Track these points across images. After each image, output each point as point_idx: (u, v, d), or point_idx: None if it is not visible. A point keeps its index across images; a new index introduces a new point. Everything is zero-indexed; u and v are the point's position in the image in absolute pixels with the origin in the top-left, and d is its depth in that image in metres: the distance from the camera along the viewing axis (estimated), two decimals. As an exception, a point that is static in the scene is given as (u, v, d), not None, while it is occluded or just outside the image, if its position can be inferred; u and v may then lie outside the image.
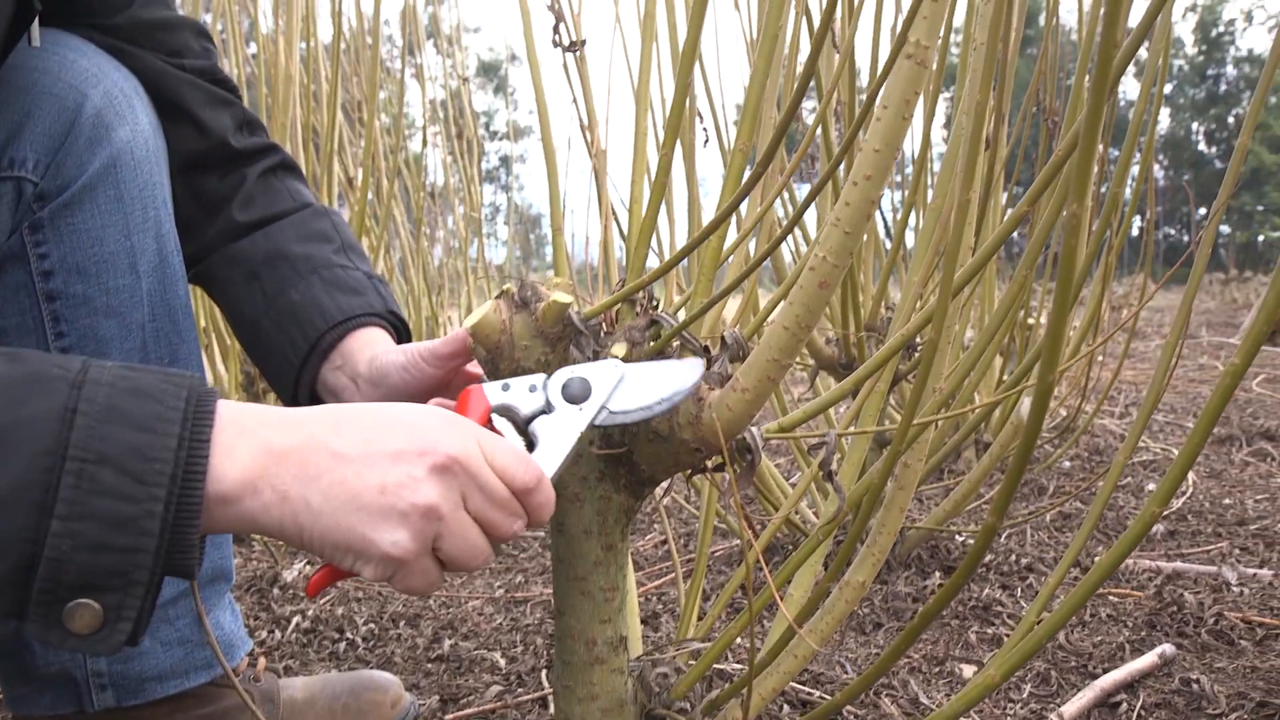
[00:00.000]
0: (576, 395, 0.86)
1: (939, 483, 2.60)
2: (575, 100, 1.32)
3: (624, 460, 0.93)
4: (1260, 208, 45.55)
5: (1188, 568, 1.94)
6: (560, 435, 0.85)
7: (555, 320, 0.88)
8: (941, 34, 1.28)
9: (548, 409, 0.86)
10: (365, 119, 3.57)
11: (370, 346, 1.09)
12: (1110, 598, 1.79)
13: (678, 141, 0.96)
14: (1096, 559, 2.02)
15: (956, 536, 2.04)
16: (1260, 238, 47.10)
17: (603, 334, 0.92)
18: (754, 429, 0.93)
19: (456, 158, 4.56)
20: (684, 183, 1.29)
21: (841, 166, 1.51)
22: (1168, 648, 1.48)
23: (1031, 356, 1.43)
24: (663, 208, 1.23)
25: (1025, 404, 1.82)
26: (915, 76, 0.79)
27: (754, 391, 0.87)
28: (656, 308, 0.93)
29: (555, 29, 1.45)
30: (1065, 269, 0.57)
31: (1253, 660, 1.47)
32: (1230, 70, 52.62)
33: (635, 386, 0.88)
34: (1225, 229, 52.54)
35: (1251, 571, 1.89)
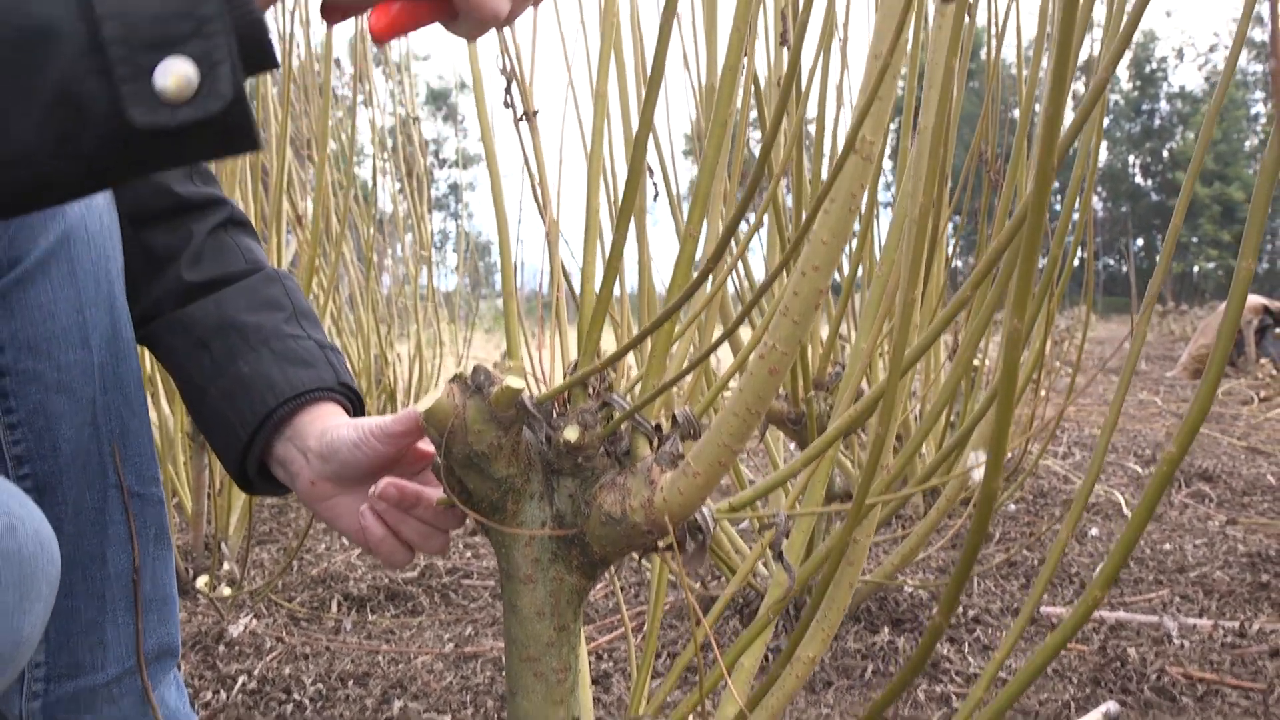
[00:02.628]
0: None
1: (887, 530, 2.62)
2: (527, 163, 1.33)
3: (576, 541, 0.94)
4: (1195, 239, 46.68)
5: (1130, 618, 1.97)
6: None
7: (508, 405, 0.89)
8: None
9: None
10: (316, 159, 3.55)
11: (321, 420, 1.08)
12: (1055, 649, 1.81)
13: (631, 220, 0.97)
14: (1039, 608, 2.05)
15: (905, 588, 2.06)
16: (1195, 268, 48.25)
17: (555, 416, 0.93)
18: (705, 509, 0.94)
19: (406, 191, 4.55)
20: (639, 256, 1.30)
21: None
22: (1112, 706, 1.51)
23: (973, 420, 1.46)
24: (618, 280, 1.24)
25: (969, 456, 1.85)
26: (862, 170, 0.81)
27: (705, 476, 0.88)
28: (609, 389, 0.94)
29: (507, 90, 1.46)
30: (1006, 385, 0.59)
31: (1194, 717, 1.50)
32: (1164, 105, 54.02)
33: None
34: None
35: (1192, 622, 1.93)
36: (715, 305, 1.23)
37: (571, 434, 0.90)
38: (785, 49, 1.57)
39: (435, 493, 1.00)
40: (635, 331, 1.47)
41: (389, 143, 4.51)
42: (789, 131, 1.34)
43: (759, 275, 1.99)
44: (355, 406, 1.13)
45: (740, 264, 1.82)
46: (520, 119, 1.23)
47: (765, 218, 1.47)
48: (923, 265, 0.82)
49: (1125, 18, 0.73)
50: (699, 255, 1.01)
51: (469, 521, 0.96)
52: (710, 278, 1.09)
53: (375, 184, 4.48)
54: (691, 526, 0.94)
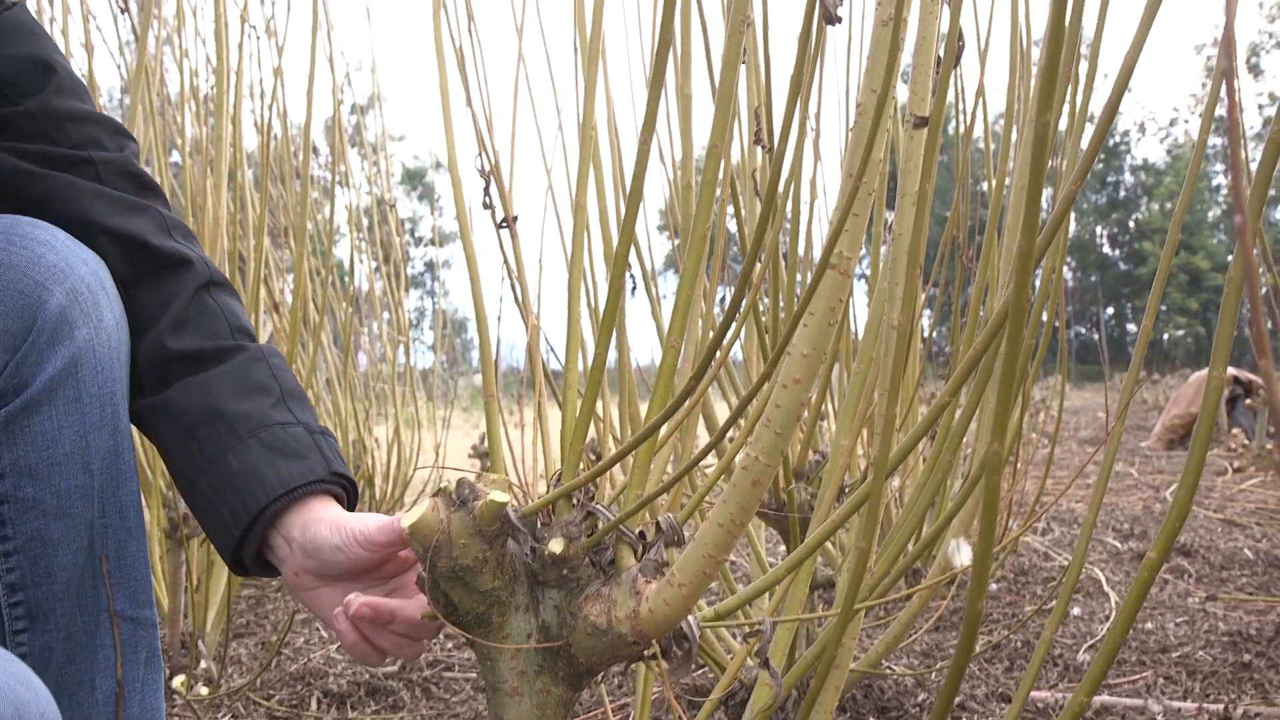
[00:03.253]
0: None
1: (870, 614, 2.61)
2: (507, 266, 1.35)
3: (562, 653, 0.93)
4: (1164, 307, 47.28)
5: (1115, 701, 1.97)
6: None
7: (493, 519, 0.89)
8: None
9: None
10: (294, 250, 3.57)
11: (309, 514, 1.06)
12: (1042, 737, 1.80)
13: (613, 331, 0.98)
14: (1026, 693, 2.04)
15: (890, 674, 2.05)
16: (1165, 335, 48.80)
17: (540, 527, 0.93)
18: (690, 617, 0.94)
19: (382, 272, 4.58)
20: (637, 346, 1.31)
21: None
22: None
23: (954, 509, 1.46)
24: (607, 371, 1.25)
25: (950, 544, 1.85)
26: (839, 285, 0.83)
27: (690, 586, 0.88)
28: (593, 498, 0.94)
29: (485, 192, 1.48)
30: (988, 513, 0.60)
31: (1182, 807, 1.49)
32: (1128, 177, 55.13)
33: None
34: (1133, 327, 54.37)
35: (1176, 705, 1.92)
36: (697, 414, 1.24)
37: (557, 546, 0.90)
38: (759, 147, 1.61)
39: (412, 607, 0.99)
40: (618, 421, 1.48)
41: (365, 222, 4.55)
42: (767, 245, 1.36)
43: (739, 364, 2.01)
44: (349, 493, 1.12)
45: (723, 369, 1.83)
46: (501, 225, 1.25)
47: (746, 324, 1.50)
48: (901, 374, 0.83)
49: (1083, 152, 0.76)
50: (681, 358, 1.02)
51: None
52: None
53: (352, 264, 4.51)
54: (677, 635, 0.94)
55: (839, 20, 0.66)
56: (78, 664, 1.07)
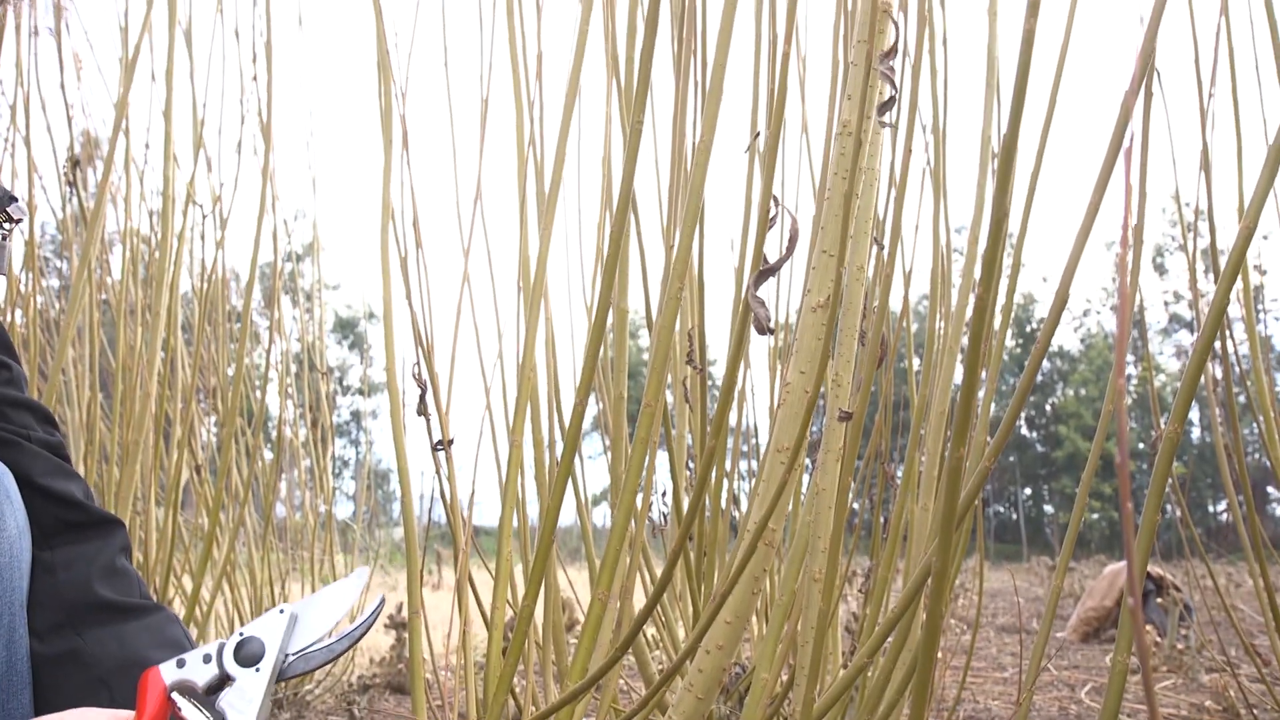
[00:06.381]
0: (251, 656, 0.88)
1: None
2: (441, 486, 1.36)
3: None
4: (1076, 490, 48.31)
5: None
6: (244, 705, 0.87)
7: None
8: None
9: (228, 678, 0.88)
10: (223, 419, 3.55)
11: None
12: None
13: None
14: None
15: None
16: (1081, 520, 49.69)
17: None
18: None
19: (307, 425, 4.54)
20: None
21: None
22: None
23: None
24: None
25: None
26: (765, 555, 0.86)
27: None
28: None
29: (421, 399, 1.51)
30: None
31: None
32: (1045, 364, 57.07)
33: (309, 623, 0.91)
34: (1049, 508, 55.43)
35: None
36: (616, 672, 1.25)
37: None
38: (690, 367, 1.66)
39: None
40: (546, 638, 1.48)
41: (294, 368, 4.54)
42: (707, 507, 1.40)
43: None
44: None
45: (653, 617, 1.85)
46: (437, 446, 1.27)
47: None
48: (821, 651, 0.86)
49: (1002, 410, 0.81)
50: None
51: None
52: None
53: (281, 416, 4.47)
54: None
55: (771, 332, 0.71)
56: None
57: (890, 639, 0.98)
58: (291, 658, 0.91)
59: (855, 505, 2.62)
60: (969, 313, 1.05)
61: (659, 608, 1.90)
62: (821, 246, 0.91)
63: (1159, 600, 6.80)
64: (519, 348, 1.15)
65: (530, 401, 1.12)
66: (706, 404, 1.70)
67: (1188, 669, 5.18)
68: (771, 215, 0.81)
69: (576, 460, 1.48)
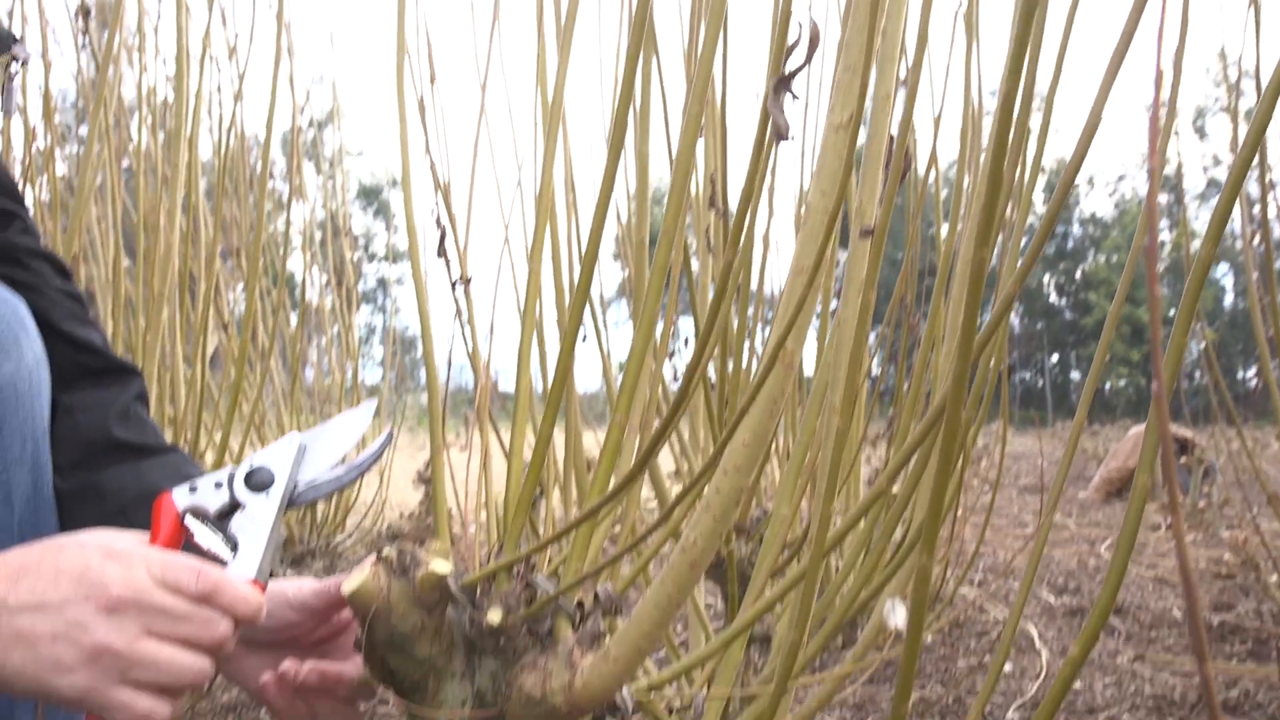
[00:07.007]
0: (261, 483, 0.91)
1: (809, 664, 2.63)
2: (461, 324, 1.36)
3: (496, 721, 0.94)
4: (1107, 357, 48.13)
5: (1040, 764, 2.00)
6: (255, 529, 0.90)
7: (433, 589, 0.90)
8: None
9: (239, 504, 0.91)
10: (247, 272, 3.56)
11: None
12: (968, 800, 1.83)
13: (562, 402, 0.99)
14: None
15: (821, 730, 2.07)
16: (1108, 385, 49.68)
17: (479, 596, 0.94)
18: (625, 689, 0.96)
19: (333, 292, 4.56)
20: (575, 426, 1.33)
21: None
22: None
23: (889, 572, 1.49)
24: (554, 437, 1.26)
25: (887, 605, 1.88)
26: (784, 377, 0.85)
27: (625, 661, 0.90)
28: (533, 570, 0.95)
29: (440, 241, 1.49)
30: (914, 628, 0.62)
31: None
32: (1076, 229, 56.26)
33: (318, 453, 0.93)
34: (1076, 375, 55.38)
35: (1099, 770, 1.96)
36: (638, 488, 1.26)
37: (495, 617, 0.91)
38: (713, 212, 1.63)
39: (351, 670, 1.00)
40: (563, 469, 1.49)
41: (318, 236, 4.53)
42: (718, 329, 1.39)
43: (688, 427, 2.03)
44: None
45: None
46: (456, 283, 1.26)
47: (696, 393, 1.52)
48: (837, 479, 0.86)
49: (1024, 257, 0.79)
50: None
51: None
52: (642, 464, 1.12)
53: (304, 282, 4.48)
54: (611, 707, 0.95)
55: (790, 138, 0.69)
56: None
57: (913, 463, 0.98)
58: (301, 486, 0.92)
59: (876, 368, 2.61)
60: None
61: (680, 452, 1.92)
62: (845, 63, 0.87)
63: (1183, 460, 6.83)
64: (537, 174, 1.12)
65: (549, 221, 1.10)
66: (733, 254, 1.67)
67: (1208, 525, 5.23)
68: (792, 41, 0.78)
69: (600, 326, 1.47)
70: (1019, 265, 0.81)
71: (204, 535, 0.89)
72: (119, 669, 0.80)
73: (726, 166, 1.66)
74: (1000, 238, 1.09)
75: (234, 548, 0.89)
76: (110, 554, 0.82)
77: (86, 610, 0.79)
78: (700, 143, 1.61)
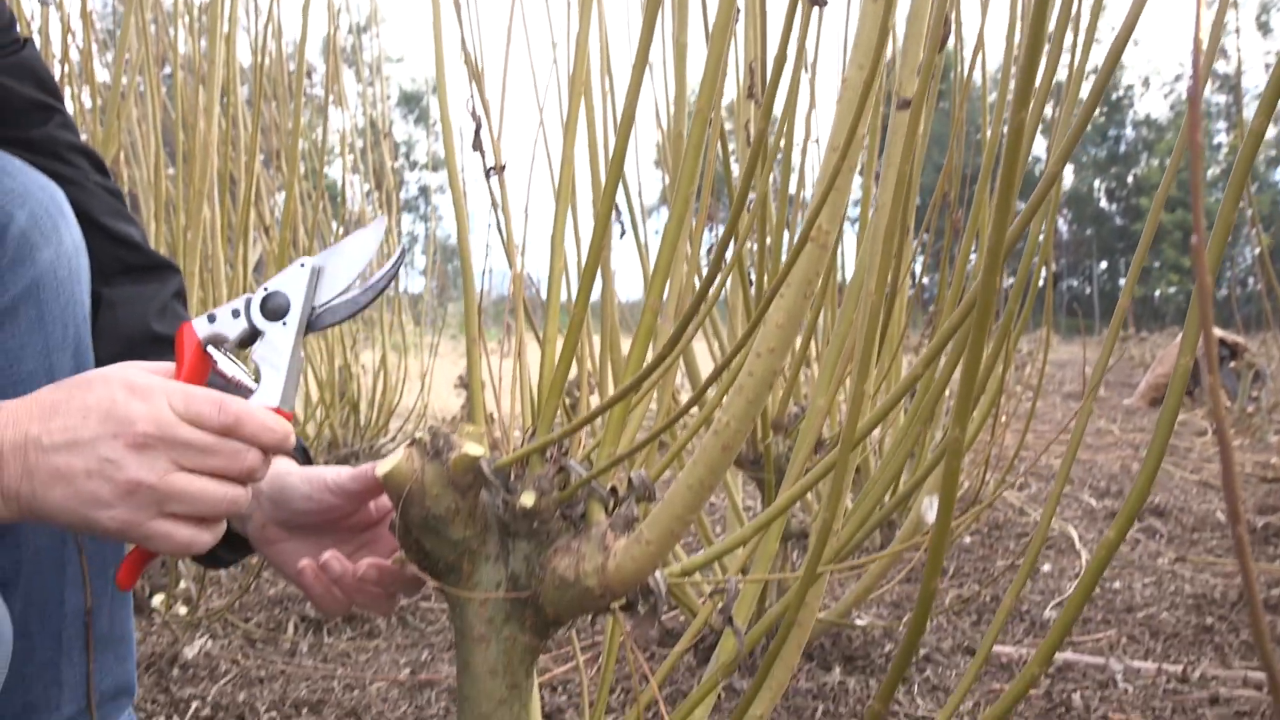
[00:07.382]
0: (278, 310, 0.92)
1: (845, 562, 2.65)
2: (496, 212, 1.35)
3: (529, 603, 0.95)
4: (1157, 264, 47.23)
5: (1077, 659, 2.01)
6: (275, 357, 0.91)
7: (466, 471, 0.90)
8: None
9: (258, 331, 0.92)
10: (285, 171, 3.55)
11: (277, 464, 1.09)
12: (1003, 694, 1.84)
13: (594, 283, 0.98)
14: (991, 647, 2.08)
15: (858, 623, 2.09)
16: (1157, 293, 48.84)
17: (512, 479, 0.95)
18: (657, 573, 0.96)
19: (374, 200, 4.55)
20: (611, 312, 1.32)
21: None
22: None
23: (928, 468, 1.48)
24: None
25: (924, 501, 1.88)
26: (818, 258, 0.83)
27: (658, 544, 0.90)
28: (566, 453, 0.95)
29: (476, 133, 1.47)
30: (946, 499, 0.61)
31: (1132, 766, 1.54)
32: (1129, 132, 54.74)
33: (332, 276, 0.93)
34: (1125, 282, 54.33)
35: (1137, 665, 1.97)
36: (675, 366, 1.25)
37: (528, 499, 0.92)
38: (752, 103, 1.60)
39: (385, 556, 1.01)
40: (599, 358, 1.49)
41: (358, 144, 4.51)
42: (753, 205, 1.36)
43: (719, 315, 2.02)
44: (303, 461, 1.14)
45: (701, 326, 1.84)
46: (490, 171, 1.25)
47: (733, 273, 1.50)
48: (875, 346, 0.84)
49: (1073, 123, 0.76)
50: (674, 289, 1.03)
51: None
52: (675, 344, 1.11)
53: (343, 187, 4.48)
54: (643, 590, 0.96)
55: (825, 3, 0.66)
56: (46, 579, 1.09)
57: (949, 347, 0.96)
58: (318, 309, 0.93)
59: (917, 269, 2.56)
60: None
61: (720, 351, 1.90)
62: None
63: (1232, 365, 6.73)
64: (571, 54, 1.10)
65: (584, 94, 1.08)
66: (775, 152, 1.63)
67: (1256, 430, 5.17)
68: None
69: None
70: (1065, 138, 0.78)
71: (226, 365, 0.91)
72: (155, 502, 0.83)
73: (766, 55, 1.62)
74: (1048, 108, 1.06)
75: (257, 377, 0.90)
76: (134, 390, 0.84)
77: (116, 448, 0.82)
78: (740, 27, 1.57)
